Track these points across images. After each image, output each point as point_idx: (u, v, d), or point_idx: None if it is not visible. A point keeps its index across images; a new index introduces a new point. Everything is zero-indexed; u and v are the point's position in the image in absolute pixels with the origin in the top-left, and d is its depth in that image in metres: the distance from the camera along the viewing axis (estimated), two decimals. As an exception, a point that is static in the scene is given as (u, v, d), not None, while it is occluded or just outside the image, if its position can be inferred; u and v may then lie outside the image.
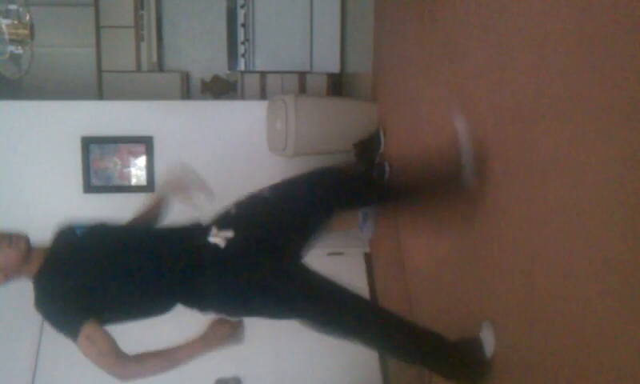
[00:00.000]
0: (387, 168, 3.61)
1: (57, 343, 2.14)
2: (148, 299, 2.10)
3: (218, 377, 3.58)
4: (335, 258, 4.05)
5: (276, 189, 2.31)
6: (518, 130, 2.00)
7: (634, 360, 1.41)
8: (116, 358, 1.95)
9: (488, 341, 2.16)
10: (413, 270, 3.27)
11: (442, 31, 2.75)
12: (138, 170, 4.03)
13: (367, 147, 3.79)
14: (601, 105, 1.53)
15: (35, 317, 2.11)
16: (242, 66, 4.74)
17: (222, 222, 2.14)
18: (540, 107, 1.85)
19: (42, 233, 3.56)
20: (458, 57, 2.56)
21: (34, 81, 4.70)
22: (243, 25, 4.70)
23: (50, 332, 2.04)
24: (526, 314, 1.97)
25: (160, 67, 5.06)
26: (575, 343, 1.67)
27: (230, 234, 2.07)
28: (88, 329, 1.93)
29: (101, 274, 2.02)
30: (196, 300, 2.10)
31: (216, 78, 5.07)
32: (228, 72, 4.89)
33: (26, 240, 2.07)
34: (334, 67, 4.76)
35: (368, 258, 4.09)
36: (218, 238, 2.05)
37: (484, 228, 2.30)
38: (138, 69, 4.96)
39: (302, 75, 4.74)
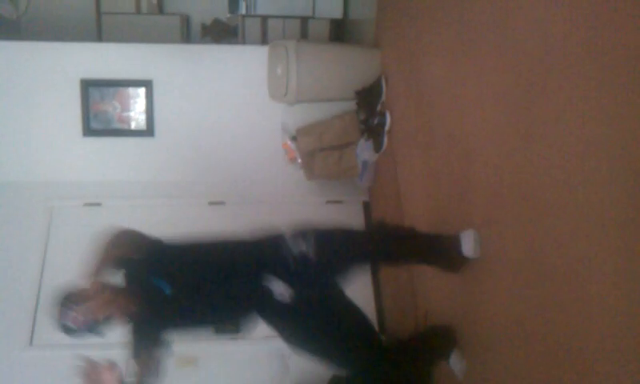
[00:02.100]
0: (388, 117, 3.59)
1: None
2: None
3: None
4: (334, 206, 4.07)
5: (322, 251, 2.31)
6: (521, 74, 1.98)
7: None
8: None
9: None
10: (411, 219, 3.28)
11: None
12: (137, 114, 4.01)
13: (369, 95, 3.76)
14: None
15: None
16: (242, 10, 4.65)
17: (285, 276, 2.24)
18: (549, 60, 1.83)
19: (40, 173, 3.56)
20: (463, 4, 2.51)
21: (33, 21, 4.63)
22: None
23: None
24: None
25: (160, 9, 4.97)
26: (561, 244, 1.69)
27: (291, 293, 2.23)
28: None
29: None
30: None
31: (216, 22, 4.99)
32: (228, 16, 4.80)
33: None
34: (337, 13, 4.67)
35: (367, 207, 4.11)
36: (284, 293, 2.22)
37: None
38: (138, 11, 4.88)
39: (303, 20, 4.67)
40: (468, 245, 2.37)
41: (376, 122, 3.67)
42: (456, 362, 2.53)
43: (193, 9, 5.10)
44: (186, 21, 5.03)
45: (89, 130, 3.98)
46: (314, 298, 2.33)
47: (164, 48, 4.02)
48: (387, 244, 2.53)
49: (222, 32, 4.99)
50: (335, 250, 2.38)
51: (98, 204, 3.97)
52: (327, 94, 3.86)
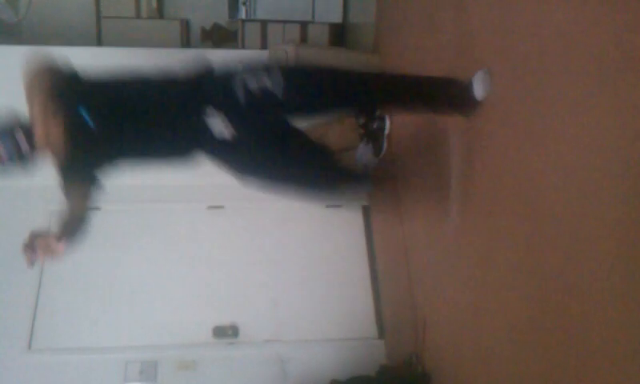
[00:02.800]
0: (387, 121, 3.59)
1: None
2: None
3: (215, 324, 3.64)
4: (334, 210, 4.06)
5: (292, 88, 2.05)
6: (525, 82, 1.98)
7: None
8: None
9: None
10: (410, 221, 3.28)
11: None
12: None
13: (368, 99, 3.76)
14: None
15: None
16: (242, 15, 4.66)
17: (226, 107, 2.04)
18: (548, 61, 1.83)
19: (40, 179, 3.57)
20: (463, 4, 2.51)
21: (33, 26, 4.63)
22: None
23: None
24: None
25: (160, 14, 4.98)
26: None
27: (232, 128, 2.04)
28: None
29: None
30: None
31: (216, 26, 4.99)
32: (228, 20, 4.81)
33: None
34: (337, 17, 4.68)
35: (366, 211, 4.10)
36: (221, 128, 2.04)
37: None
38: (138, 15, 4.88)
39: (303, 25, 4.67)
40: (480, 87, 2.21)
41: (375, 126, 3.67)
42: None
43: (193, 13, 5.10)
44: (186, 25, 5.03)
45: (88, 134, 3.97)
46: (263, 137, 2.13)
47: (164, 52, 4.02)
48: (386, 88, 2.26)
49: (221, 36, 4.99)
50: (312, 92, 2.11)
51: (98, 208, 3.96)
52: (327, 99, 3.85)
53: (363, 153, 3.81)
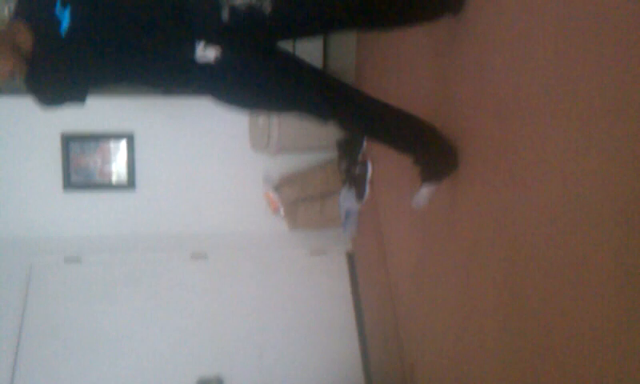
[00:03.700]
0: (370, 166, 3.61)
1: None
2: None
3: (199, 376, 3.57)
4: (317, 257, 4.04)
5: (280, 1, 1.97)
6: (500, 127, 2.00)
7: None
8: None
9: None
10: (395, 268, 3.27)
11: (425, 26, 2.73)
12: (118, 167, 3.99)
13: (350, 145, 3.78)
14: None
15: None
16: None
17: (212, 32, 1.93)
18: (521, 105, 1.85)
19: (19, 229, 3.53)
20: (442, 52, 2.55)
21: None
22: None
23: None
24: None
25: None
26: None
27: (217, 52, 1.92)
28: None
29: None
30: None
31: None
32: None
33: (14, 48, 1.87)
34: (317, 63, 4.73)
35: (350, 257, 4.08)
36: (206, 55, 1.92)
37: (464, 232, 2.31)
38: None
39: (285, 72, 4.72)
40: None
41: (357, 171, 3.68)
42: (424, 194, 2.32)
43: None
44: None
45: (69, 184, 3.94)
46: (250, 58, 1.98)
47: (145, 101, 4.03)
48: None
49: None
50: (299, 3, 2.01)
51: (78, 259, 3.91)
52: (309, 145, 3.87)
53: (346, 197, 3.82)
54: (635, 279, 1.33)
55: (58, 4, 1.86)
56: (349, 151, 3.78)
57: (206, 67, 1.93)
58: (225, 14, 1.91)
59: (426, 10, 2.20)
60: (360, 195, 3.72)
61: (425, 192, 2.30)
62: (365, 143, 3.69)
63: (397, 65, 3.16)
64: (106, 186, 3.99)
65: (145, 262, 3.93)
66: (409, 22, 2.28)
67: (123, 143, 3.96)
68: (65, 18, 1.85)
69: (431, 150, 2.29)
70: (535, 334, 1.79)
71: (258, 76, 2.03)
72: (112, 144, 3.98)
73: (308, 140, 3.84)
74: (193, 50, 1.90)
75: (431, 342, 2.75)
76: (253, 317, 3.79)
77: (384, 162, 3.42)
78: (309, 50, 4.57)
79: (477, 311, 2.23)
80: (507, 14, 1.92)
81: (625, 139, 1.37)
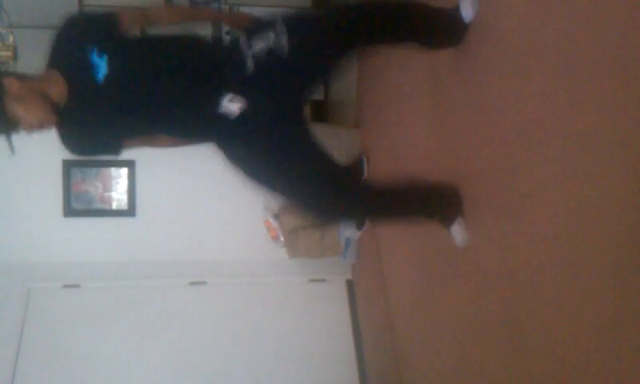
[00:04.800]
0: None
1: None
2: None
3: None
4: (317, 285, 4.03)
5: (293, 35, 1.93)
6: (504, 161, 2.01)
7: None
8: None
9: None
10: (395, 296, 3.26)
11: (425, 58, 2.77)
12: (119, 194, 4.00)
13: (351, 172, 3.79)
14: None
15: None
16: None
17: (238, 83, 1.94)
18: (521, 136, 1.87)
19: (19, 254, 3.52)
20: (440, 84, 2.58)
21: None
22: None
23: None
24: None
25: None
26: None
27: (243, 104, 1.92)
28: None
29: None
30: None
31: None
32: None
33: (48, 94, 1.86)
34: (319, 94, 4.77)
35: (350, 285, 4.07)
36: (230, 108, 1.92)
37: (465, 262, 2.31)
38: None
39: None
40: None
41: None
42: (458, 232, 2.33)
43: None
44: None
45: (70, 210, 3.94)
46: (276, 109, 1.98)
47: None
48: (380, 16, 2.05)
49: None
50: (316, 38, 1.98)
51: (77, 286, 3.90)
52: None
53: (346, 226, 3.82)
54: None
55: (95, 52, 1.87)
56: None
57: (228, 120, 1.93)
58: (249, 64, 1.91)
59: (429, 38, 2.26)
60: (360, 224, 3.72)
61: (457, 230, 2.33)
62: (365, 172, 3.70)
63: (397, 95, 3.19)
64: (107, 212, 3.99)
65: (144, 288, 3.91)
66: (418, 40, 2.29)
67: (124, 170, 3.98)
68: (102, 66, 1.86)
69: (441, 205, 2.38)
70: (535, 363, 1.79)
71: (276, 150, 2.03)
72: (113, 171, 3.99)
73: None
74: (219, 102, 1.91)
75: (431, 372, 2.73)
76: (251, 343, 3.77)
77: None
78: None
79: (477, 341, 2.22)
80: (507, 47, 1.95)
81: (622, 175, 1.38)
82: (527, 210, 1.82)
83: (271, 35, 1.90)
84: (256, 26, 1.97)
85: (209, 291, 3.94)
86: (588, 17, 1.51)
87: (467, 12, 2.16)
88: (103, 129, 1.98)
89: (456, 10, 2.20)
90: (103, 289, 3.88)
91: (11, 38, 3.56)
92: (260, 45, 1.90)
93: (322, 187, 2.12)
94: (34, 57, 4.59)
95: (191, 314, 3.86)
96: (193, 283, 3.97)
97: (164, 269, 4.01)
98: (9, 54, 3.89)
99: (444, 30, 2.23)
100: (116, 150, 2.06)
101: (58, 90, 1.85)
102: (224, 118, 1.93)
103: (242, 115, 1.92)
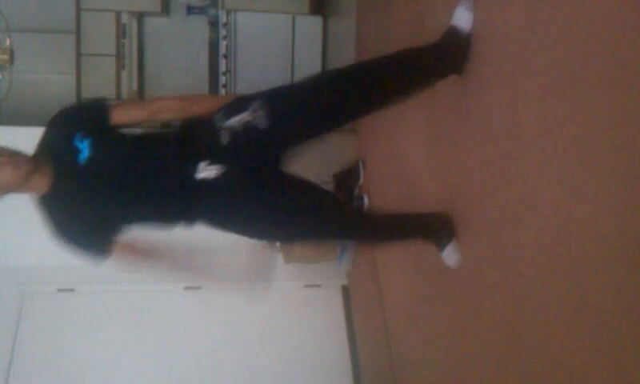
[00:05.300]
0: (366, 200, 3.61)
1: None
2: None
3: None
4: (312, 290, 4.03)
5: (272, 109, 1.95)
6: (500, 168, 2.01)
7: None
8: None
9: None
10: (391, 303, 3.25)
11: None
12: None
13: (347, 179, 3.80)
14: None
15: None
16: (222, 83, 4.73)
17: (213, 152, 1.96)
18: (523, 163, 1.87)
19: (12, 258, 3.50)
20: (438, 91, 2.58)
21: (13, 106, 4.66)
22: (225, 56, 4.71)
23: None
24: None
25: (140, 96, 5.04)
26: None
27: (219, 170, 1.94)
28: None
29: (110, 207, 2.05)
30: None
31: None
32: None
33: (28, 161, 2.01)
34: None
35: (345, 291, 4.07)
36: (208, 172, 1.94)
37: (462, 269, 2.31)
38: (118, 97, 4.93)
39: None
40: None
41: (354, 204, 3.69)
42: (450, 255, 2.35)
43: (173, 86, 5.16)
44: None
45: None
46: (256, 172, 1.99)
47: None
48: (370, 85, 2.07)
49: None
50: (295, 109, 1.98)
51: (72, 290, 3.89)
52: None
53: (341, 258, 3.85)
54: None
55: (79, 135, 1.96)
56: (345, 185, 3.80)
57: (207, 183, 1.94)
58: (224, 137, 1.93)
59: (429, 77, 2.24)
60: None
61: (450, 251, 2.35)
62: (361, 178, 3.71)
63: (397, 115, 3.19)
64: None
65: (139, 293, 3.90)
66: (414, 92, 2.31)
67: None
68: (85, 149, 1.94)
69: (434, 227, 2.41)
70: (531, 368, 1.79)
71: (260, 198, 2.05)
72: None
73: (305, 174, 3.84)
74: (195, 169, 1.93)
75: (426, 378, 2.72)
76: (246, 349, 3.77)
77: (380, 197, 3.44)
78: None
79: (472, 348, 2.22)
80: (509, 76, 1.94)
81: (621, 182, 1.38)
82: (524, 219, 1.83)
83: (250, 109, 1.92)
84: (235, 102, 1.99)
85: (204, 296, 3.94)
86: (587, 18, 1.51)
87: (464, 19, 2.08)
88: (88, 214, 2.04)
89: (451, 29, 2.11)
90: (98, 293, 3.87)
91: (8, 42, 3.56)
92: (236, 118, 1.93)
93: (312, 221, 2.17)
94: (30, 60, 4.62)
95: (186, 319, 3.85)
96: (188, 288, 3.96)
97: (158, 273, 4.00)
98: (5, 57, 3.90)
99: (441, 61, 2.15)
100: (102, 248, 2.15)
101: (42, 173, 1.99)
102: (203, 183, 1.94)
103: (222, 175, 1.94)
